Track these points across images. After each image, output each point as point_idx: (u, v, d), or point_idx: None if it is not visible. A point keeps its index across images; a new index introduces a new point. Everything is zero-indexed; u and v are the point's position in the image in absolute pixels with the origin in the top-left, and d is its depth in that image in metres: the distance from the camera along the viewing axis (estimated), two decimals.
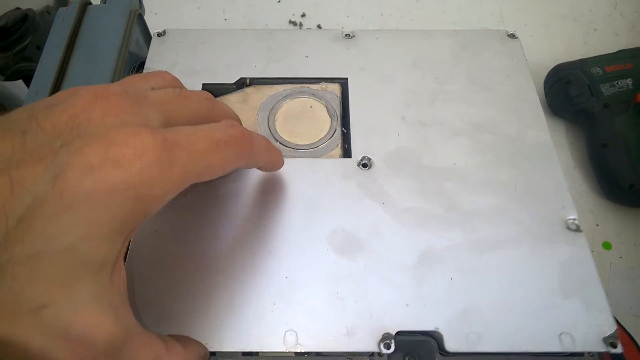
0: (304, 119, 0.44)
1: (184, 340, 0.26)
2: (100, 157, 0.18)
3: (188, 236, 0.33)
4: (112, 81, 0.44)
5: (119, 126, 0.20)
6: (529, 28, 0.73)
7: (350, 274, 0.32)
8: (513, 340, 0.30)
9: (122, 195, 0.18)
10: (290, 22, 0.69)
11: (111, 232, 0.18)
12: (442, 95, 0.43)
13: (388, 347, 0.30)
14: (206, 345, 0.28)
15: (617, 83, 0.64)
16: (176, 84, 0.30)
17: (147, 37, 0.51)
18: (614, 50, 0.67)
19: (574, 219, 0.35)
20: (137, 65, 0.47)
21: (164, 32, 0.48)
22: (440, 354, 0.35)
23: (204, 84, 0.44)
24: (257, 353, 0.36)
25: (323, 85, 0.45)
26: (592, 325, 0.30)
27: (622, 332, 0.53)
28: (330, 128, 0.43)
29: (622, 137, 0.61)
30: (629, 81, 0.64)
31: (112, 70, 0.44)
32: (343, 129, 0.43)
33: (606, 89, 0.64)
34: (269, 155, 0.31)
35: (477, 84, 0.44)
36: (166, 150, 0.20)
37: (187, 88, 0.30)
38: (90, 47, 0.46)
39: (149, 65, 0.45)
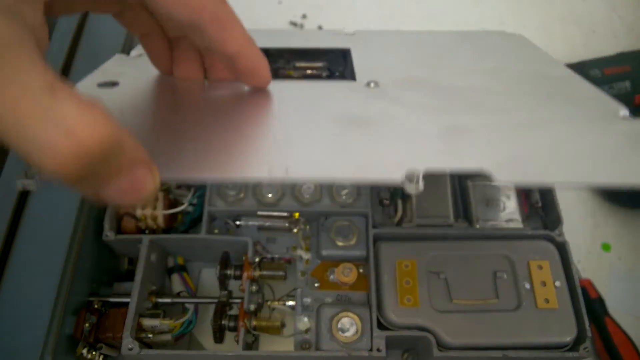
0: None
1: None
2: None
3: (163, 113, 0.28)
4: None
5: None
6: (528, 31, 0.73)
7: (362, 129, 0.25)
8: (589, 173, 0.23)
9: None
10: (291, 23, 0.70)
11: None
12: (447, 62, 0.39)
13: (415, 180, 0.22)
14: (164, 171, 0.20)
15: (615, 85, 0.64)
16: None
17: None
18: (613, 53, 0.67)
19: (627, 112, 0.29)
20: None
21: None
22: (439, 349, 0.35)
23: None
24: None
25: None
26: None
27: (619, 332, 0.53)
28: None
29: None
30: (627, 84, 0.64)
31: None
32: None
33: (605, 91, 0.64)
34: (245, 40, 0.26)
35: (485, 58, 0.40)
36: None
37: None
38: (93, 47, 0.46)
39: None
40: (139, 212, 0.40)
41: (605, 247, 0.63)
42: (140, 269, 0.37)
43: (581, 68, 0.65)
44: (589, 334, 0.36)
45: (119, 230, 0.40)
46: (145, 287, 0.38)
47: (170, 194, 0.41)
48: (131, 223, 0.40)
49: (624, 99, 0.63)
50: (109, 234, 0.38)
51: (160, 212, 0.40)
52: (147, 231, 0.40)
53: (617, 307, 0.57)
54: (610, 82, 0.64)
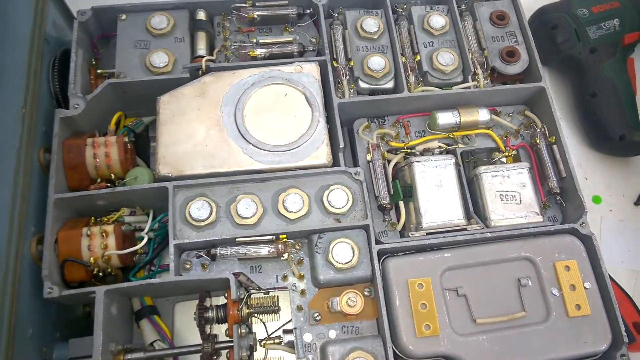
0: (279, 111, 0.36)
1: None
2: None
3: None
4: (27, 76, 0.34)
5: None
6: None
7: None
8: None
9: None
10: None
11: None
12: None
13: None
14: None
15: (604, 25, 0.59)
16: None
17: (68, 17, 0.40)
18: None
19: None
20: (60, 53, 0.38)
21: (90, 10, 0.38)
22: None
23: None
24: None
25: (297, 66, 0.37)
26: None
27: (616, 288, 0.51)
28: (312, 120, 0.36)
29: (612, 84, 0.57)
30: (615, 22, 0.59)
31: (27, 62, 0.34)
32: (327, 116, 0.36)
33: (593, 32, 0.58)
34: None
35: None
36: None
37: None
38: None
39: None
40: (86, 255, 0.32)
41: (596, 199, 0.60)
42: (98, 330, 0.30)
43: (568, 7, 0.59)
44: (625, 339, 0.32)
45: (64, 281, 0.32)
46: (108, 350, 0.30)
47: (122, 225, 0.33)
48: (79, 270, 0.32)
49: (613, 39, 0.58)
50: (51, 290, 0.30)
51: (114, 252, 0.32)
52: (101, 274, 0.33)
53: (611, 261, 0.56)
54: (598, 21, 0.58)
